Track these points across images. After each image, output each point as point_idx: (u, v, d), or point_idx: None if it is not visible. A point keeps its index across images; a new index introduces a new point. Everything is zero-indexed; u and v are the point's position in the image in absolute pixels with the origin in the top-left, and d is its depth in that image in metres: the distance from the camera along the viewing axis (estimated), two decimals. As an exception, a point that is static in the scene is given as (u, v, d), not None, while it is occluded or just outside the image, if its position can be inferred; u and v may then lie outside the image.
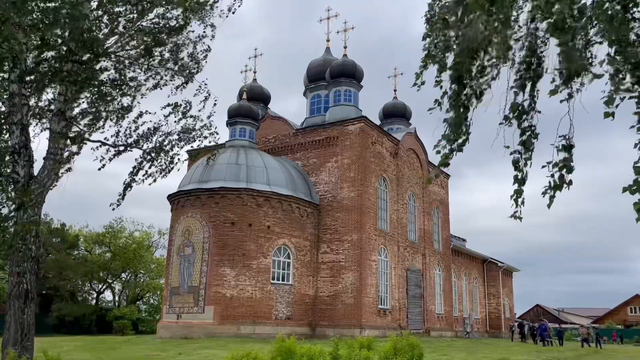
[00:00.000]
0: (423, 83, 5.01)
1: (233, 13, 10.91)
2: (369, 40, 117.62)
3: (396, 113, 39.25)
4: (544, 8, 4.08)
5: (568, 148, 4.30)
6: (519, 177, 4.54)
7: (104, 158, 10.65)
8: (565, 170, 4.28)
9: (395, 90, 40.18)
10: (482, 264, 46.61)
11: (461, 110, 4.57)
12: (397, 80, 40.28)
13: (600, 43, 4.13)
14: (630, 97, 3.90)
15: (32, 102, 9.89)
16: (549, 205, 4.36)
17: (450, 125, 4.57)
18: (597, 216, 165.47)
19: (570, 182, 4.29)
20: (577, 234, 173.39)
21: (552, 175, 4.32)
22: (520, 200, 4.51)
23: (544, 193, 4.37)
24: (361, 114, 31.14)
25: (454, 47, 4.63)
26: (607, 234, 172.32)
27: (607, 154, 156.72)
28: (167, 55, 10.30)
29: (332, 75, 33.00)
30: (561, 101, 4.23)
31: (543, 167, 4.34)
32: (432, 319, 33.97)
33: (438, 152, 4.68)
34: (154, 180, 10.60)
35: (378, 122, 36.79)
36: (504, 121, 4.50)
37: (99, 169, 10.73)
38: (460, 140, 4.62)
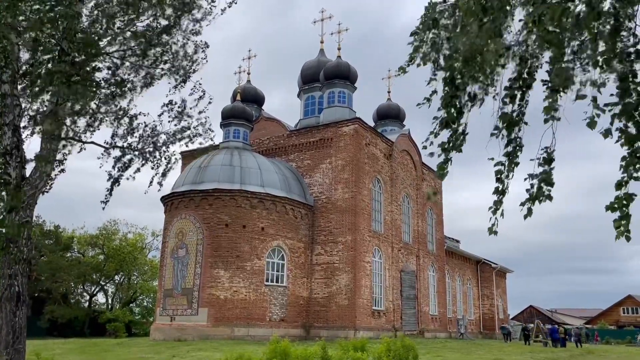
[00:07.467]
0: (405, 72, 5.01)
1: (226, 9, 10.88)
2: (358, 36, 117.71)
3: (390, 114, 39.33)
4: (535, 14, 4.05)
5: (548, 161, 4.27)
6: (500, 188, 4.46)
7: (100, 159, 10.62)
8: (544, 183, 4.23)
9: (389, 92, 40.32)
10: (475, 265, 46.71)
11: (454, 113, 4.53)
12: (391, 81, 40.42)
13: (591, 59, 4.08)
14: (612, 111, 3.85)
15: (26, 104, 9.81)
16: (525, 217, 4.29)
17: (441, 124, 4.53)
18: (588, 215, 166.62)
19: (549, 197, 4.22)
20: (569, 234, 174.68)
21: (532, 187, 4.27)
22: (499, 212, 4.43)
23: (522, 204, 4.31)
24: (355, 116, 31.17)
25: (444, 48, 4.61)
26: (598, 234, 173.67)
27: (597, 152, 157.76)
28: (163, 58, 10.22)
29: (326, 77, 33.02)
30: (545, 121, 4.10)
31: (525, 179, 4.30)
32: (426, 320, 34.00)
33: (425, 147, 4.64)
34: (160, 184, 10.58)
35: (372, 124, 36.86)
36: (495, 131, 4.45)
37: (99, 167, 10.74)
38: (458, 145, 4.58)
